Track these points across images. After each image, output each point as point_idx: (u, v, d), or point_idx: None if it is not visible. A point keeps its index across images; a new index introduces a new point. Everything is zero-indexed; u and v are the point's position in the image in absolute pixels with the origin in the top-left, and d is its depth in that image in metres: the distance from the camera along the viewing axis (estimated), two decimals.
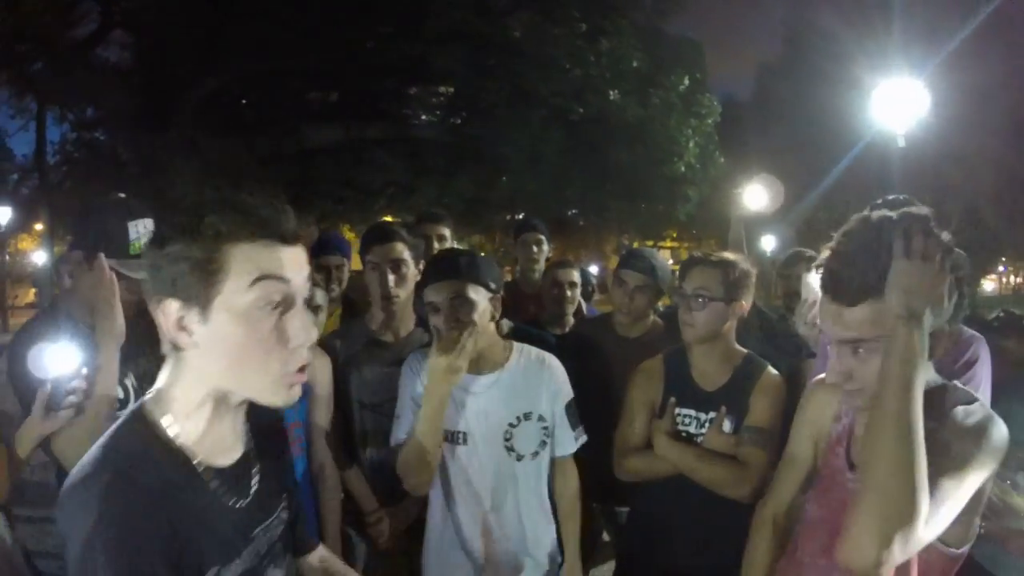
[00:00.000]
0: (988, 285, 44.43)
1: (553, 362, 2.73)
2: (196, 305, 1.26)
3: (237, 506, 1.39)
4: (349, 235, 16.35)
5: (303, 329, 1.31)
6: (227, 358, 1.29)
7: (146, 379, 2.60)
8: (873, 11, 20.61)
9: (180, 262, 1.25)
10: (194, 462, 1.33)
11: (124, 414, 1.36)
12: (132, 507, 1.21)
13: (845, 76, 19.27)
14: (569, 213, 18.76)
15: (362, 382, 3.09)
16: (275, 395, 1.34)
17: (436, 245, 4.09)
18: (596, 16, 12.67)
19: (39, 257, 14.25)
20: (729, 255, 2.85)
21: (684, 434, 2.78)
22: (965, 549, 1.74)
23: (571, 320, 4.09)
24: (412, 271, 3.12)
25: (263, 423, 1.55)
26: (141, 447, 1.29)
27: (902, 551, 1.52)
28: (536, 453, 2.64)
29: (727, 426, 2.72)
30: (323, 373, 3.02)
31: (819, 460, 2.05)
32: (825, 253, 1.77)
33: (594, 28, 12.67)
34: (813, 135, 22.27)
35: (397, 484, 2.57)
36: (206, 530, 1.31)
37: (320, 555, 1.82)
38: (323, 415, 3.01)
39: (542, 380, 2.67)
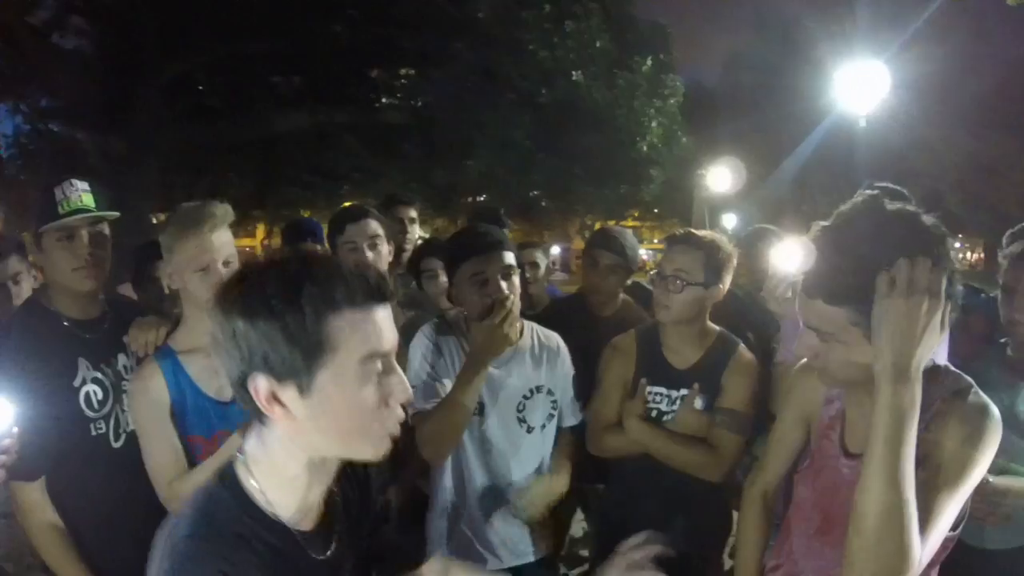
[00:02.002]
0: None
1: (559, 339, 2.78)
2: (294, 381, 1.19)
3: (320, 559, 1.34)
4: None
5: (403, 390, 1.27)
6: (331, 430, 1.24)
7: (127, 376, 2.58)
8: None
9: (274, 338, 1.16)
10: (289, 528, 1.29)
11: (211, 476, 1.32)
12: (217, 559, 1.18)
13: (810, 59, 19.43)
14: (533, 195, 18.75)
15: None
16: (375, 452, 1.29)
17: (408, 227, 4.09)
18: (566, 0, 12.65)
19: None
20: (714, 235, 2.85)
21: (655, 412, 2.81)
22: (958, 531, 1.77)
23: (541, 300, 4.10)
24: (386, 249, 3.12)
25: (351, 484, 1.51)
26: (239, 510, 1.25)
27: None
28: (544, 426, 2.69)
29: (699, 403, 2.75)
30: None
31: (812, 442, 2.05)
32: (817, 231, 1.69)
33: (561, 11, 12.63)
34: (778, 117, 22.45)
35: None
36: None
37: (433, 568, 1.75)
38: None
39: (552, 355, 2.73)
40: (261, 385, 1.18)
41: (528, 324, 2.77)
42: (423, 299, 3.60)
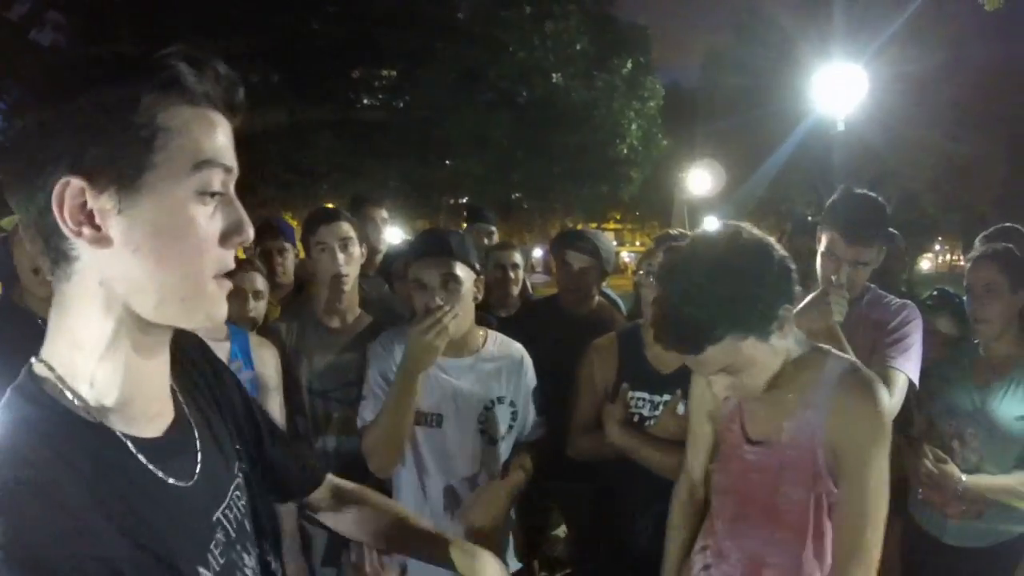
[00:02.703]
0: (925, 263, 45.64)
1: (523, 351, 2.73)
2: (113, 186, 0.90)
3: (185, 485, 1.03)
4: (292, 222, 16.14)
5: (242, 226, 1.00)
6: (147, 261, 0.92)
7: None
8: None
9: (98, 121, 0.89)
10: (116, 432, 0.96)
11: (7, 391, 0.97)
12: (39, 528, 0.83)
13: (789, 62, 19.54)
14: (514, 196, 18.76)
15: (311, 369, 3.05)
16: (208, 308, 0.99)
17: (380, 227, 4.07)
18: (545, 0, 12.66)
19: None
20: None
21: (636, 417, 2.76)
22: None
23: (516, 302, 4.08)
24: (359, 251, 3.09)
25: (192, 362, 1.21)
26: (39, 418, 0.93)
27: None
28: (504, 437, 2.64)
29: (682, 409, 2.71)
30: (271, 363, 2.97)
31: (718, 434, 2.17)
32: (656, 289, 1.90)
33: (540, 11, 12.65)
34: (757, 119, 22.55)
35: (352, 471, 2.54)
36: (158, 530, 0.95)
37: (331, 484, 1.53)
38: (276, 407, 2.96)
39: (515, 367, 2.67)
40: (70, 192, 0.88)
41: (492, 334, 2.71)
42: (394, 302, 3.58)
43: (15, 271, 2.67)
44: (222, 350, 2.85)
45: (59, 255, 0.93)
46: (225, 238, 0.98)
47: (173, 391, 1.09)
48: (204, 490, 1.06)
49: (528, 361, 2.72)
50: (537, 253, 18.21)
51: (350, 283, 3.07)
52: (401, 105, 15.57)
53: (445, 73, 13.59)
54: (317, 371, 3.04)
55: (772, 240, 1.79)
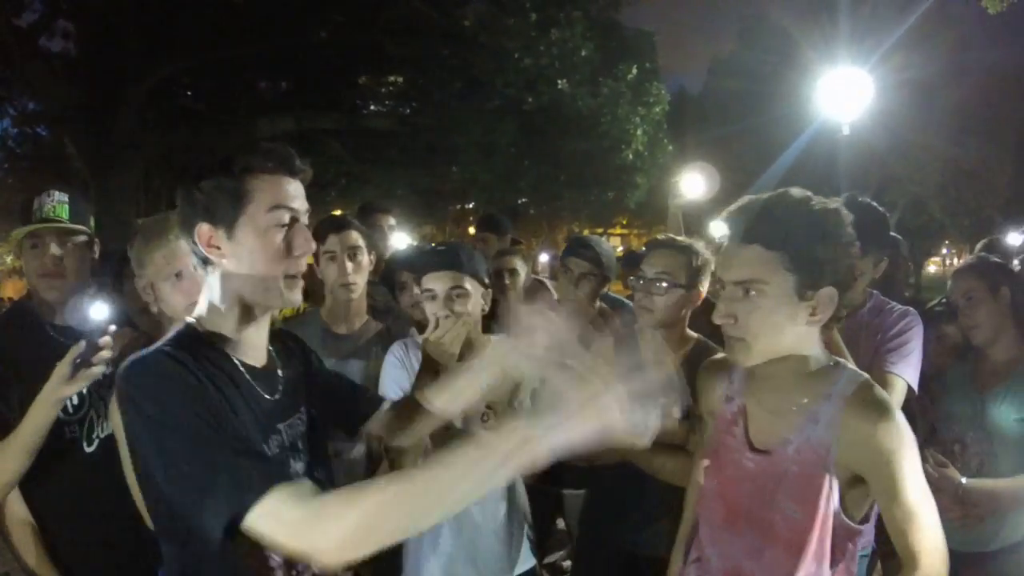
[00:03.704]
0: (932, 268, 45.51)
1: None
2: (224, 225, 1.60)
3: (268, 398, 1.69)
4: None
5: (305, 241, 1.65)
6: (248, 265, 1.61)
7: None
8: (820, 3, 20.94)
9: (213, 191, 1.59)
10: (230, 354, 1.65)
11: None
12: (180, 368, 1.49)
13: (793, 67, 19.54)
14: (520, 202, 18.77)
15: None
16: (286, 295, 1.65)
17: (387, 234, 4.10)
18: (551, 7, 12.66)
19: None
20: (691, 241, 2.86)
21: None
22: (869, 525, 1.94)
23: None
24: (367, 260, 3.13)
25: (292, 345, 1.95)
26: (188, 340, 1.61)
27: None
28: None
29: (677, 412, 2.75)
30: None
31: (713, 438, 2.15)
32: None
33: (546, 19, 12.66)
34: (762, 125, 22.55)
35: (356, 479, 2.58)
36: (240, 409, 1.57)
37: (391, 409, 2.09)
38: None
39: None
40: (203, 230, 1.60)
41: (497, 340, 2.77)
42: (398, 310, 3.60)
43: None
44: None
45: (203, 263, 1.65)
46: (292, 251, 1.64)
47: (270, 351, 1.78)
48: (277, 406, 1.72)
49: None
50: (543, 258, 18.24)
51: (358, 291, 3.13)
52: (408, 112, 15.60)
53: (451, 81, 13.62)
54: None
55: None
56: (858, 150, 15.18)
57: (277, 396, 1.73)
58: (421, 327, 2.97)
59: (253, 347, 1.72)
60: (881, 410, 1.78)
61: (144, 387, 1.47)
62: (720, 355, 2.29)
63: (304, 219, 1.67)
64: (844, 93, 13.11)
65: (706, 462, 2.14)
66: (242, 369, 1.66)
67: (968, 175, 24.07)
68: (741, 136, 23.59)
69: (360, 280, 3.11)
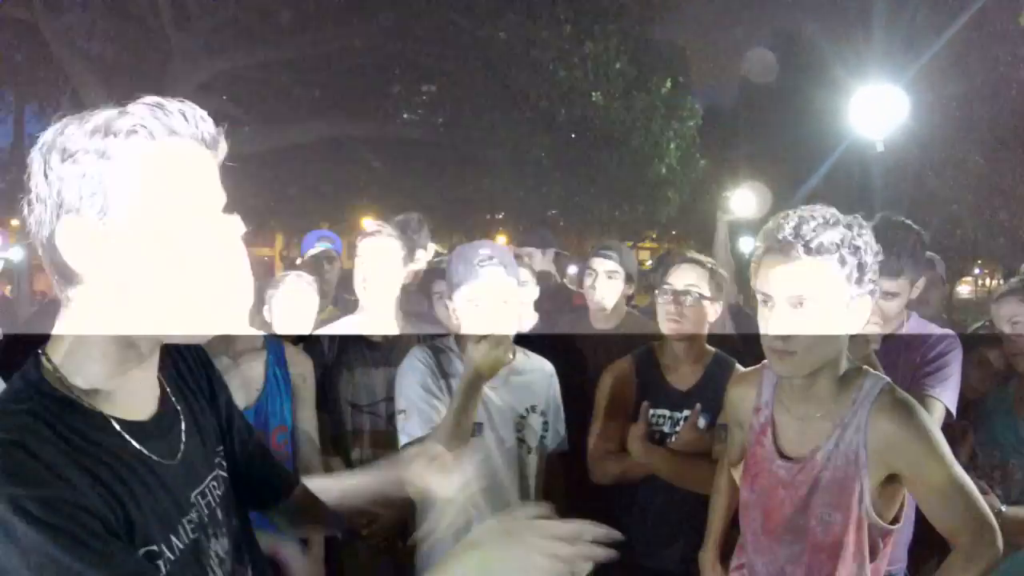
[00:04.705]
0: (963, 288, 44.92)
1: (549, 364, 2.81)
2: (92, 211, 1.08)
3: (164, 464, 1.19)
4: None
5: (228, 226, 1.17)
6: (129, 286, 1.11)
7: None
8: (854, 19, 20.81)
9: (86, 171, 1.08)
10: (104, 414, 1.13)
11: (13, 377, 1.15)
12: (30, 478, 0.97)
13: (826, 82, 19.41)
14: (550, 214, 18.78)
15: (353, 384, 3.10)
16: (191, 326, 1.16)
17: (423, 244, 4.11)
18: (585, 20, 12.68)
19: (15, 253, 13.96)
20: (706, 258, 2.98)
21: (658, 434, 2.86)
22: (900, 524, 1.94)
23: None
24: (399, 267, 3.15)
25: (184, 362, 1.39)
26: (36, 400, 1.08)
27: None
28: (537, 446, 2.72)
29: (701, 423, 2.80)
30: (307, 374, 3.03)
31: (746, 448, 2.19)
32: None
33: (580, 31, 12.68)
34: (794, 140, 22.40)
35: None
36: (137, 496, 1.11)
37: (304, 489, 1.64)
38: (309, 418, 3.02)
39: (544, 378, 2.76)
40: (66, 226, 1.08)
41: (518, 349, 2.78)
42: (433, 319, 3.61)
43: None
44: (259, 360, 2.92)
45: (64, 278, 1.13)
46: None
47: (161, 384, 1.27)
48: (184, 470, 1.24)
49: (555, 377, 2.81)
50: (572, 270, 18.17)
51: (383, 296, 3.14)
52: (440, 122, 15.67)
53: (484, 92, 13.67)
54: (359, 386, 3.10)
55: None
56: (891, 167, 15.04)
57: (179, 456, 1.23)
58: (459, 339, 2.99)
59: (137, 391, 1.21)
60: (906, 408, 1.84)
61: None
62: (750, 368, 2.32)
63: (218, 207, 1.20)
64: (878, 110, 12.99)
65: (740, 472, 2.21)
66: (125, 435, 1.14)
67: (1003, 194, 23.77)
68: (772, 152, 23.44)
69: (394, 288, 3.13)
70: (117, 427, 1.13)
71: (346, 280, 4.11)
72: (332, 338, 3.21)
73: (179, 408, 1.29)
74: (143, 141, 1.10)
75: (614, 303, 3.62)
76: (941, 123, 19.34)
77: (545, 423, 2.77)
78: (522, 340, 2.84)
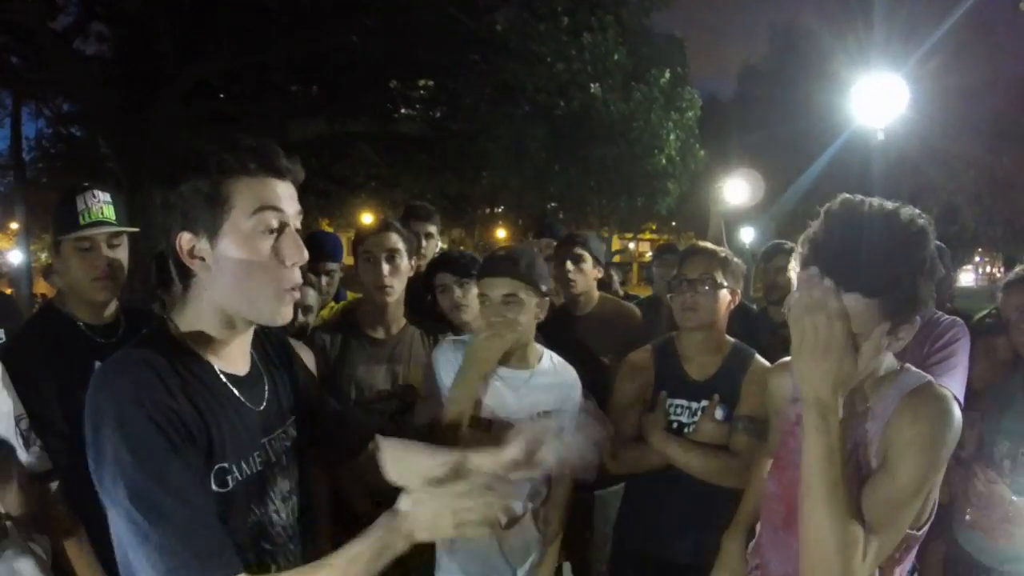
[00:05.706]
0: (964, 277, 44.96)
1: (576, 374, 2.78)
2: (205, 233, 1.45)
3: (253, 409, 1.58)
4: (328, 229, 16.28)
5: (297, 249, 1.50)
6: (232, 277, 1.47)
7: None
8: (855, 9, 20.78)
9: (191, 197, 1.44)
10: (211, 361, 1.52)
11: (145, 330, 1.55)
12: (150, 386, 1.37)
13: (826, 73, 19.39)
14: (549, 206, 18.78)
15: (355, 380, 3.07)
16: (273, 311, 1.52)
17: (424, 243, 4.07)
18: (582, 12, 12.64)
19: (15, 256, 14.01)
20: (720, 247, 2.92)
21: (675, 424, 2.83)
22: (924, 529, 1.81)
23: None
24: (406, 263, 3.11)
25: (273, 347, 1.77)
26: (164, 346, 1.47)
27: None
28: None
29: (719, 414, 2.77)
30: (310, 367, 3.00)
31: (778, 439, 2.13)
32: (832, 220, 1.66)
33: (578, 23, 12.64)
34: (794, 130, 22.40)
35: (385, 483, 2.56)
36: (222, 424, 1.48)
37: (369, 457, 1.86)
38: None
39: (566, 388, 2.72)
40: (184, 239, 1.45)
41: (548, 354, 2.76)
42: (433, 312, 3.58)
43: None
44: None
45: (183, 275, 1.51)
46: (283, 261, 1.49)
47: (253, 356, 1.65)
48: (262, 419, 1.60)
49: (579, 387, 2.76)
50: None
51: (395, 295, 3.09)
52: (438, 116, 15.65)
53: (482, 86, 13.64)
54: (361, 382, 3.06)
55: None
56: (891, 157, 15.02)
57: (262, 407, 1.61)
58: (458, 331, 2.97)
59: (236, 354, 1.59)
60: (931, 401, 1.71)
61: (102, 409, 1.35)
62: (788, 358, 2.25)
63: (296, 224, 1.53)
64: (878, 99, 12.95)
65: (770, 462, 2.15)
66: (224, 379, 1.54)
67: (1002, 183, 23.79)
68: (773, 142, 23.42)
69: (398, 284, 3.08)
70: (219, 374, 1.53)
71: (348, 276, 4.08)
72: (334, 336, 3.17)
73: (263, 374, 1.67)
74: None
75: (585, 287, 3.75)
76: (941, 113, 19.33)
77: (561, 429, 2.74)
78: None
